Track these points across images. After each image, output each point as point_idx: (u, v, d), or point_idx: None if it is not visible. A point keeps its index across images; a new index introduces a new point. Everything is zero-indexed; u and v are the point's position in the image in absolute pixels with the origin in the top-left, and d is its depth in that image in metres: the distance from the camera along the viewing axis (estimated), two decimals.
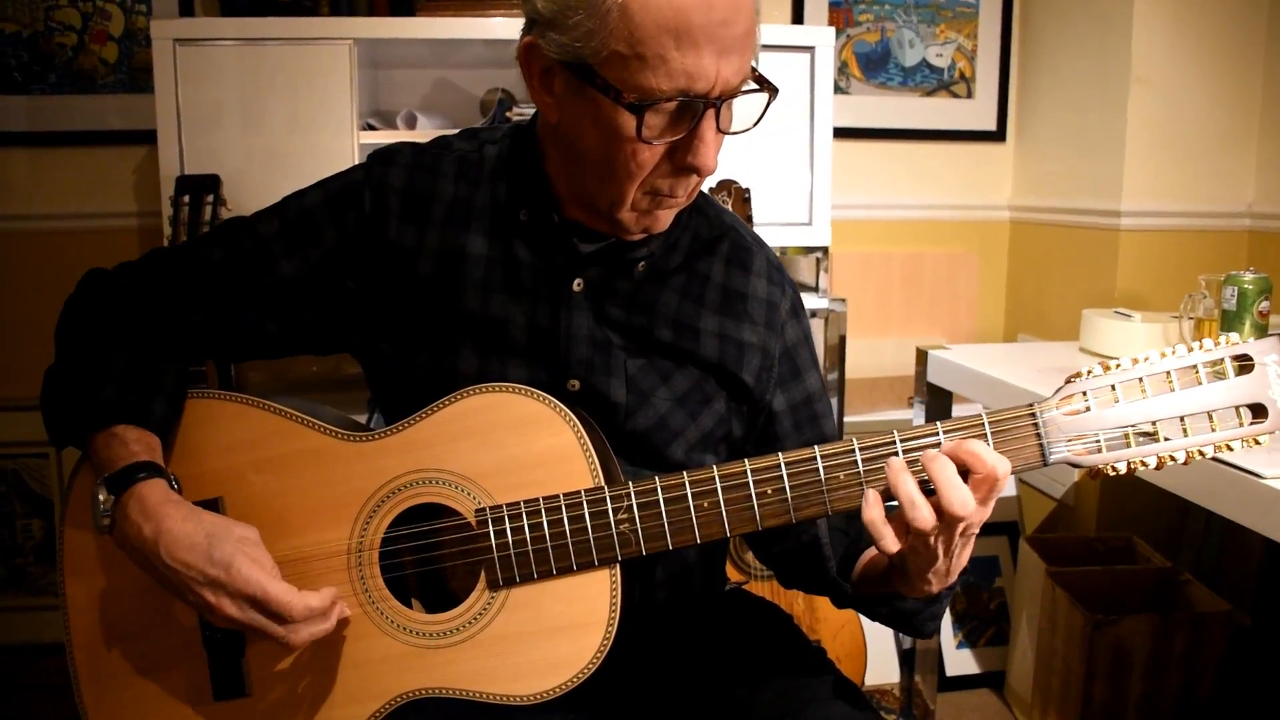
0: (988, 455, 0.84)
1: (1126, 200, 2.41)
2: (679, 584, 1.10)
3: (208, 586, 0.91)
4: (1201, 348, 0.87)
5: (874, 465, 0.90)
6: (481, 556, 0.95)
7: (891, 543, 0.87)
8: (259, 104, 2.10)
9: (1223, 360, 0.86)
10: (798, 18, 2.71)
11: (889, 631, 2.41)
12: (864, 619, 2.11)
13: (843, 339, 2.36)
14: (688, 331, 1.05)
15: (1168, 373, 0.87)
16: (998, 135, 2.86)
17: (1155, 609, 2.12)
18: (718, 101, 0.90)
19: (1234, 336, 0.88)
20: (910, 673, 2.29)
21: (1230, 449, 0.87)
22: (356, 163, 1.11)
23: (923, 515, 0.84)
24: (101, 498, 0.94)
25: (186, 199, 1.97)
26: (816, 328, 2.30)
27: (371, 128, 2.24)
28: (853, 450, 0.90)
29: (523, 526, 0.94)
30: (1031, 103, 2.79)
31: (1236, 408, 0.86)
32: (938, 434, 0.89)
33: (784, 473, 0.91)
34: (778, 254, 1.16)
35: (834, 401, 2.34)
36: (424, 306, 1.03)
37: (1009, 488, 2.61)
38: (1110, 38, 2.43)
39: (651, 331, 1.05)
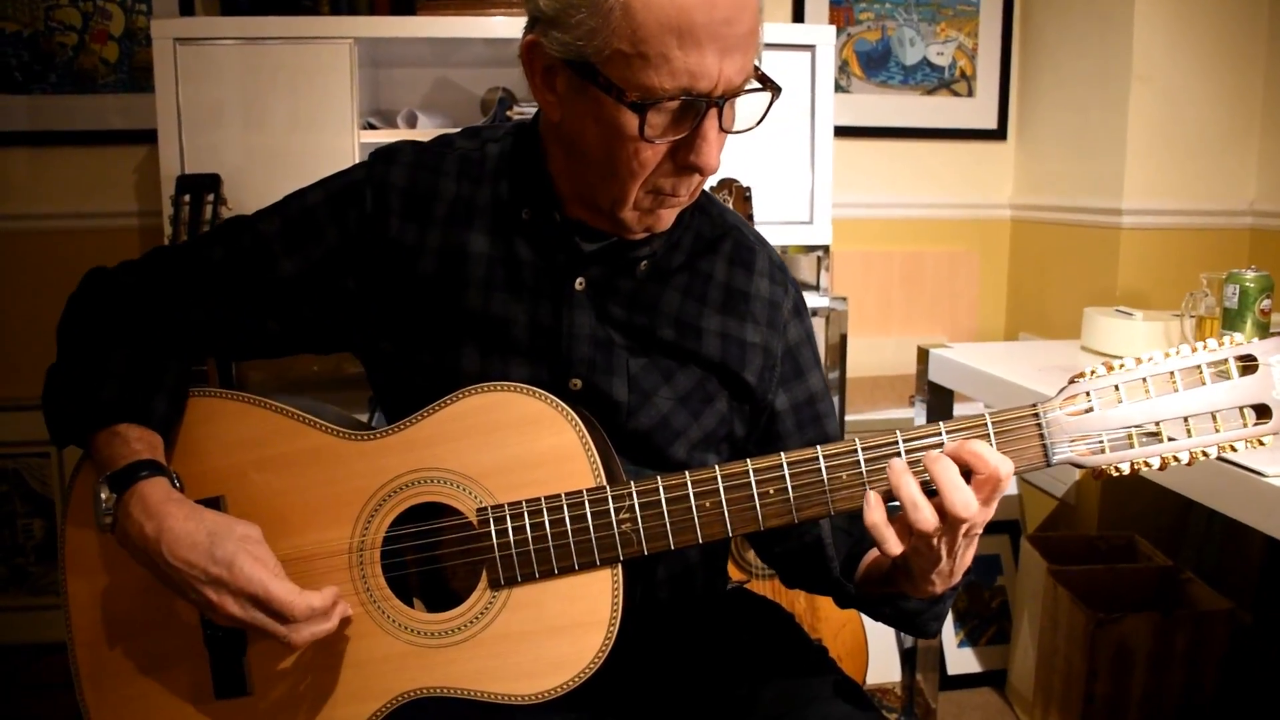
0: (990, 456, 0.84)
1: (1128, 199, 2.41)
2: (681, 583, 1.10)
3: (210, 585, 0.91)
4: (1205, 348, 0.87)
5: (876, 465, 0.89)
6: (483, 556, 0.95)
7: (894, 545, 0.86)
8: (259, 103, 2.10)
9: (1227, 360, 0.86)
10: (798, 16, 2.71)
11: (890, 630, 2.41)
12: (865, 618, 2.11)
13: (844, 338, 2.36)
14: (690, 331, 1.05)
15: (1171, 373, 0.86)
16: (999, 134, 2.85)
17: (1157, 607, 2.12)
18: (720, 100, 0.89)
19: (1238, 336, 0.87)
20: (912, 671, 2.28)
21: (1234, 450, 0.87)
22: (357, 162, 1.10)
23: (925, 517, 0.84)
24: (103, 496, 0.94)
25: (187, 198, 1.97)
26: (818, 326, 2.30)
27: (372, 127, 2.24)
28: (855, 450, 0.90)
29: (524, 526, 0.94)
30: (1032, 101, 2.79)
31: (1240, 408, 0.86)
32: (940, 434, 0.88)
33: (786, 473, 0.91)
34: (779, 253, 1.16)
35: (835, 400, 2.33)
36: (426, 305, 1.03)
37: (1010, 486, 2.61)
38: (1111, 36, 2.43)
39: (654, 331, 1.04)
